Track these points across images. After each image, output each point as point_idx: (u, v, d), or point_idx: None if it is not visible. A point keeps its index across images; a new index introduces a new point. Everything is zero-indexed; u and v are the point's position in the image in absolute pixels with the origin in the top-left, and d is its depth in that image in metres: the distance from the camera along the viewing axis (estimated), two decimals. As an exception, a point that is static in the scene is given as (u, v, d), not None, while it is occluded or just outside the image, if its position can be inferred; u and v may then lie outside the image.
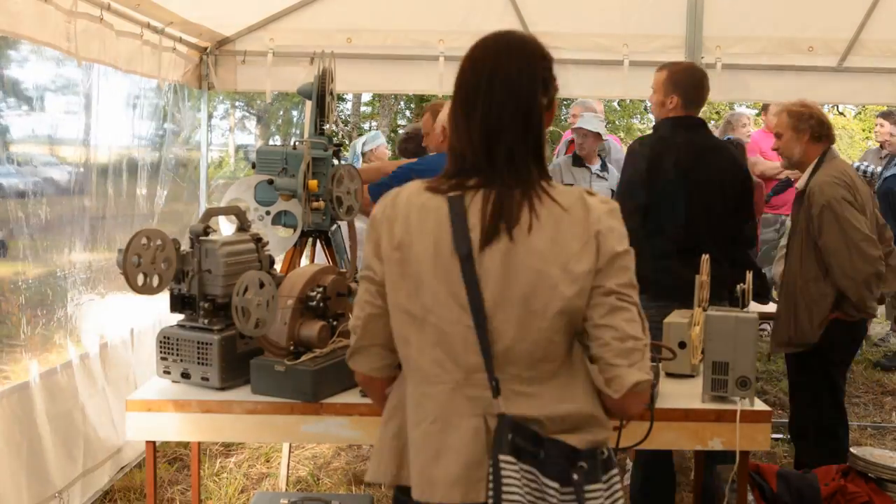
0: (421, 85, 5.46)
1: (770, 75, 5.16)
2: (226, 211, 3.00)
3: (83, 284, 3.97)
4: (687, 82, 3.73)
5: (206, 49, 5.08)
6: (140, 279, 2.49)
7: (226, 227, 3.52)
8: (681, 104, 3.72)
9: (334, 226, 3.90)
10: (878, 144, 7.13)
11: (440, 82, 5.09)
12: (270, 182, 3.40)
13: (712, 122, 16.96)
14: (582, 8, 5.05)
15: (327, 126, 3.51)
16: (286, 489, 4.09)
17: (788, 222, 6.46)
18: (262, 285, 2.51)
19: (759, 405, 2.66)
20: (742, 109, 7.86)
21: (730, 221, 3.72)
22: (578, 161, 5.73)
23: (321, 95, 3.48)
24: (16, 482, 3.25)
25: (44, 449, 3.47)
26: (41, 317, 3.66)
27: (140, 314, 4.36)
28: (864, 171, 6.77)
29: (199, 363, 2.65)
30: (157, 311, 2.74)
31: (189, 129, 5.15)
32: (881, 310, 4.89)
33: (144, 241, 2.50)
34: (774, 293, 4.61)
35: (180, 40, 4.69)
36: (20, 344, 3.50)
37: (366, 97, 17.24)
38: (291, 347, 2.63)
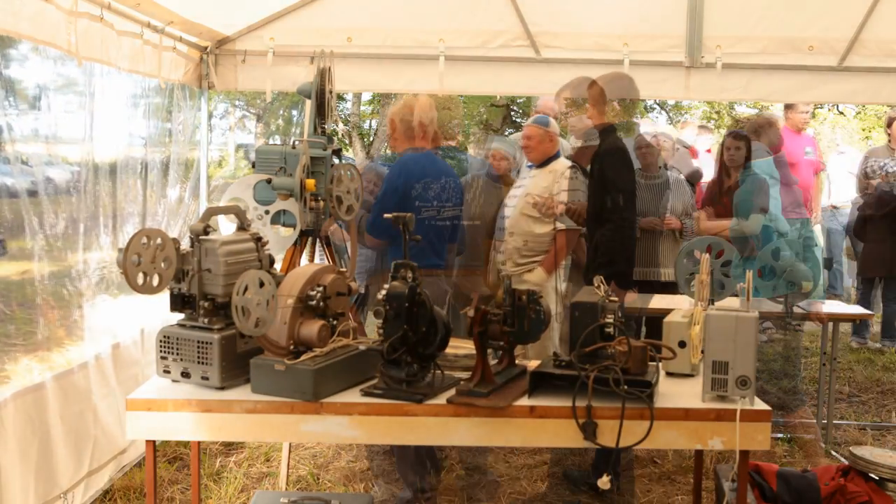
0: (421, 84, 5.45)
1: (770, 75, 5.17)
2: (225, 210, 3.00)
3: (97, 285, 3.97)
4: None
5: (206, 48, 5.08)
6: (140, 278, 2.49)
7: (226, 227, 3.52)
8: None
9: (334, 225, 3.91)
10: (882, 143, 7.11)
11: (440, 81, 5.10)
12: (269, 181, 3.40)
13: (712, 121, 16.94)
14: (582, 8, 5.06)
15: (327, 125, 3.51)
16: (286, 488, 4.09)
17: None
18: (262, 284, 2.51)
19: (759, 405, 2.66)
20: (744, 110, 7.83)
21: None
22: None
23: (321, 95, 3.48)
24: (24, 482, 3.26)
25: (54, 449, 3.47)
26: (56, 317, 3.65)
27: (150, 314, 4.36)
28: (881, 168, 6.71)
29: (199, 362, 2.65)
30: (166, 311, 2.74)
31: (190, 129, 5.14)
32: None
33: (144, 240, 2.50)
34: None
35: (181, 40, 4.69)
36: (35, 344, 3.50)
37: (366, 96, 17.21)
38: (291, 347, 2.63)
